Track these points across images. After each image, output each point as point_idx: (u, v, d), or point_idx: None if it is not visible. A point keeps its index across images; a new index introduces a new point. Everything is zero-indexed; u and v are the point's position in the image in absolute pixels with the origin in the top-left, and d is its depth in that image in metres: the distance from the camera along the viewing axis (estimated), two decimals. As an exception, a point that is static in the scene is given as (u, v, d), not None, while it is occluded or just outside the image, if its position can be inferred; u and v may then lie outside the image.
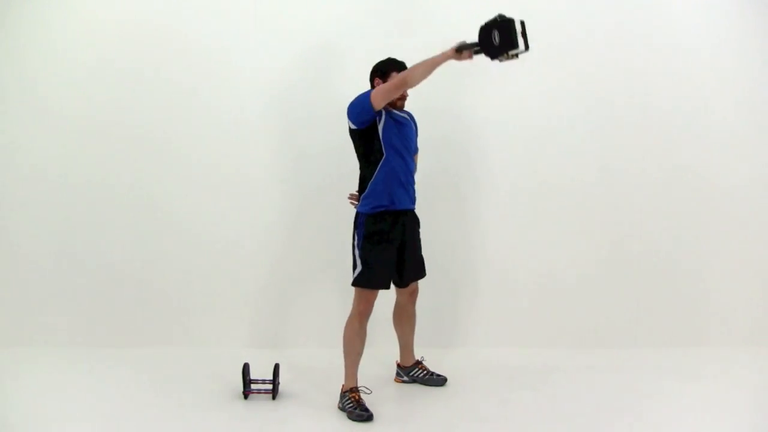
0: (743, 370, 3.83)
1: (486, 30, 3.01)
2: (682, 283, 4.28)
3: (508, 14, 2.95)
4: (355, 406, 3.17)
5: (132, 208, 4.20)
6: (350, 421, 3.14)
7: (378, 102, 3.19)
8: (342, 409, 3.22)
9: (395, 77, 3.23)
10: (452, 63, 3.14)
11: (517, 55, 2.97)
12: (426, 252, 3.56)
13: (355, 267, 3.30)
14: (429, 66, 3.15)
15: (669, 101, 4.25)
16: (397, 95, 3.24)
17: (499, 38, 2.91)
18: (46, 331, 4.17)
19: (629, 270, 4.28)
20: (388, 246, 3.30)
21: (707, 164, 4.27)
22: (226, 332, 4.20)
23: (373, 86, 3.36)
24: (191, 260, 4.22)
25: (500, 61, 3.01)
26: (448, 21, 4.18)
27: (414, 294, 3.57)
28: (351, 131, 3.32)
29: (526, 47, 2.94)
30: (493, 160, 4.26)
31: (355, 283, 3.29)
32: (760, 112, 4.27)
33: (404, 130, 3.37)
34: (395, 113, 3.35)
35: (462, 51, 3.11)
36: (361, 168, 3.38)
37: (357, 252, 3.30)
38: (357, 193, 3.46)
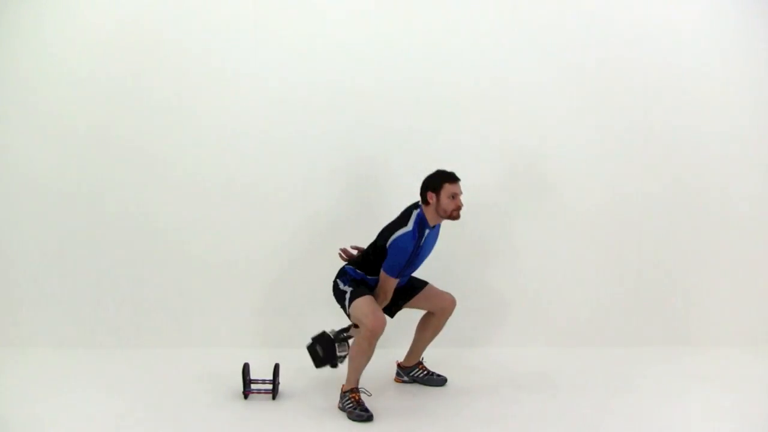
0: (743, 370, 3.83)
1: (312, 343, 3.33)
2: (681, 283, 4.28)
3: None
4: (355, 406, 3.17)
5: (131, 208, 4.20)
6: (350, 421, 3.14)
7: (382, 281, 3.27)
8: (342, 409, 3.22)
9: (387, 291, 3.28)
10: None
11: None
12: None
13: (343, 299, 3.30)
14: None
15: (668, 104, 4.25)
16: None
17: (323, 352, 3.29)
18: (46, 331, 4.17)
19: (629, 270, 4.28)
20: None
21: (707, 166, 4.27)
22: (226, 332, 4.20)
23: (426, 200, 3.30)
24: (191, 260, 4.22)
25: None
26: (448, 21, 4.20)
27: (450, 306, 3.54)
28: (381, 236, 3.31)
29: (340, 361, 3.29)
30: (493, 162, 4.25)
31: (351, 302, 3.25)
32: (758, 116, 4.26)
33: (423, 251, 3.35)
34: (426, 238, 3.31)
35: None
36: (369, 252, 3.35)
37: (343, 287, 3.32)
38: (350, 251, 3.47)
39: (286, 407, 3.31)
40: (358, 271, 3.35)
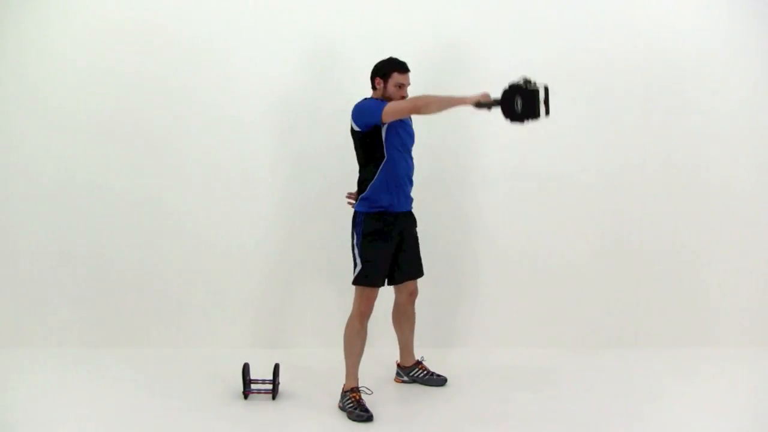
0: (743, 370, 3.83)
1: (510, 92, 3.01)
2: (682, 283, 4.28)
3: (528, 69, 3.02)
4: (355, 406, 3.17)
5: (132, 208, 4.20)
6: (350, 421, 3.14)
7: (388, 118, 3.22)
8: (342, 409, 3.23)
9: (411, 101, 3.25)
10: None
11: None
12: (426, 252, 3.57)
13: (355, 266, 3.31)
14: (445, 104, 3.20)
15: (669, 100, 4.24)
16: (405, 116, 3.28)
17: (522, 105, 2.94)
18: (46, 331, 4.17)
19: (629, 270, 4.28)
20: (386, 244, 3.32)
21: (708, 164, 4.26)
22: (226, 332, 4.20)
23: (374, 86, 3.38)
24: (191, 260, 4.22)
25: (514, 123, 3.04)
26: (448, 22, 4.20)
27: (413, 294, 3.57)
28: (353, 132, 3.33)
29: (547, 113, 2.98)
30: (492, 159, 4.25)
31: (355, 282, 3.30)
32: (760, 112, 4.26)
33: (405, 128, 3.40)
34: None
35: (481, 106, 3.12)
36: (360, 169, 3.39)
37: (356, 251, 3.31)
38: (355, 193, 3.46)
39: (286, 407, 3.31)
40: (364, 195, 3.31)
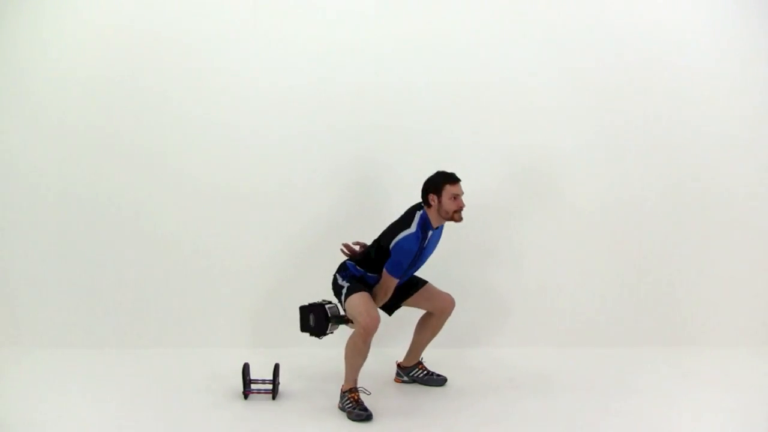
0: (743, 370, 3.83)
1: (303, 311, 3.39)
2: (682, 283, 4.28)
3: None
4: (354, 406, 3.17)
5: (131, 208, 4.20)
6: (350, 421, 3.14)
7: (383, 280, 3.27)
8: (342, 409, 3.23)
9: (387, 290, 3.29)
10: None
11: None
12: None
13: (340, 293, 3.31)
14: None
15: (671, 104, 4.25)
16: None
17: (314, 321, 3.35)
18: (46, 331, 4.16)
19: (629, 270, 4.28)
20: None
21: (708, 166, 4.27)
22: (226, 332, 4.20)
23: (428, 202, 3.32)
24: (191, 261, 4.22)
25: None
26: (449, 21, 4.20)
27: (449, 307, 3.53)
28: (384, 236, 3.33)
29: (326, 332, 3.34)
30: (497, 164, 4.25)
31: (347, 297, 3.26)
32: (760, 116, 4.26)
33: (426, 251, 3.38)
34: (429, 239, 3.33)
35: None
36: (371, 251, 3.36)
37: (341, 282, 3.33)
38: (354, 250, 3.46)
39: (286, 407, 3.31)
40: (359, 267, 3.35)
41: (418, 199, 3.40)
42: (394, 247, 3.23)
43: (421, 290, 3.53)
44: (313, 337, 3.37)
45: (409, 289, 3.51)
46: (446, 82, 4.20)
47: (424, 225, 3.28)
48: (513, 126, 4.25)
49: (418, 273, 3.53)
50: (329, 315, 3.32)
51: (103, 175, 4.19)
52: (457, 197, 3.31)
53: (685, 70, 4.25)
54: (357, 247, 3.49)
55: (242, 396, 3.37)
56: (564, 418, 3.16)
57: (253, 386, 3.41)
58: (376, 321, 3.16)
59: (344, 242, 3.52)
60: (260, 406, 3.31)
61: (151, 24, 4.15)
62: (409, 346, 3.66)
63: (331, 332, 3.36)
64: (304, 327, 3.37)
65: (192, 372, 3.74)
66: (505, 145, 4.24)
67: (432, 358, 3.72)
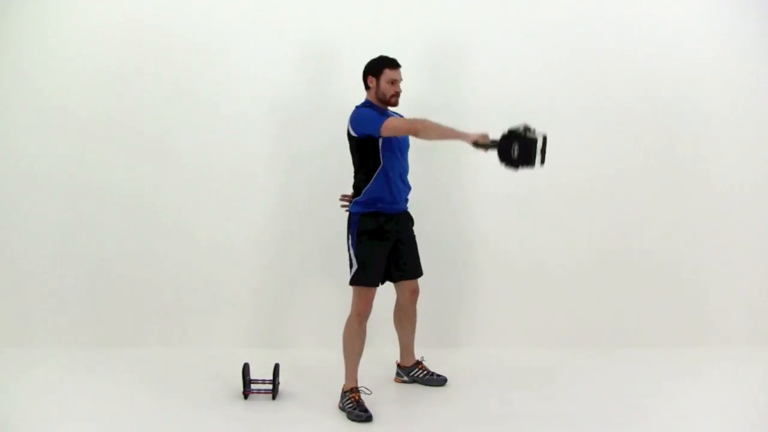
0: (743, 370, 3.83)
1: (508, 137, 3.02)
2: (682, 283, 4.28)
3: (533, 124, 3.02)
4: (354, 407, 3.17)
5: (131, 208, 4.20)
6: (350, 421, 3.14)
7: (386, 134, 3.22)
8: (342, 409, 3.23)
9: (411, 122, 3.23)
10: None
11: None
12: (426, 252, 3.57)
13: (351, 266, 3.32)
14: (443, 134, 3.21)
15: (669, 101, 4.25)
16: (402, 135, 3.31)
17: (518, 153, 2.97)
18: (46, 331, 4.17)
19: (629, 270, 4.28)
20: (381, 243, 3.33)
21: (707, 164, 4.27)
22: (226, 332, 4.20)
23: (366, 85, 3.39)
24: (191, 260, 4.22)
25: (508, 168, 3.05)
26: (448, 22, 4.19)
27: (414, 294, 3.57)
28: (350, 136, 3.34)
29: (542, 162, 3.00)
30: (493, 159, 4.24)
31: (352, 282, 3.31)
32: (760, 113, 4.26)
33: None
34: (389, 112, 3.40)
35: (478, 146, 3.13)
36: (355, 172, 3.39)
37: (352, 251, 3.32)
38: (350, 196, 3.47)
39: (286, 407, 3.31)
40: (359, 199, 3.32)
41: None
42: (351, 119, 3.29)
43: (408, 281, 3.51)
44: (521, 168, 2.99)
45: (403, 267, 3.47)
46: (444, 77, 4.19)
47: (367, 104, 3.35)
48: (510, 122, 4.23)
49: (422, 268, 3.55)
50: (527, 135, 2.91)
51: (102, 176, 4.19)
52: (395, 82, 3.34)
53: (685, 71, 4.24)
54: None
55: (242, 396, 3.37)
56: (564, 418, 3.16)
57: (253, 386, 3.41)
58: (369, 304, 3.29)
59: (341, 195, 3.57)
60: (260, 406, 3.31)
61: (152, 17, 4.14)
62: (399, 345, 3.67)
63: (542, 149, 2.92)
64: (508, 159, 2.98)
65: (192, 372, 3.74)
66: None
67: (432, 358, 3.72)
